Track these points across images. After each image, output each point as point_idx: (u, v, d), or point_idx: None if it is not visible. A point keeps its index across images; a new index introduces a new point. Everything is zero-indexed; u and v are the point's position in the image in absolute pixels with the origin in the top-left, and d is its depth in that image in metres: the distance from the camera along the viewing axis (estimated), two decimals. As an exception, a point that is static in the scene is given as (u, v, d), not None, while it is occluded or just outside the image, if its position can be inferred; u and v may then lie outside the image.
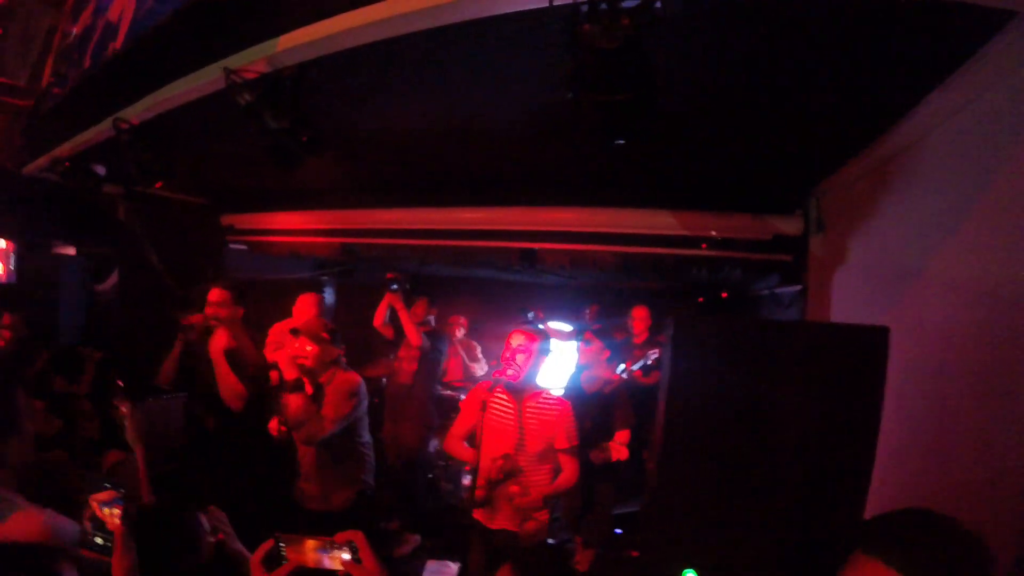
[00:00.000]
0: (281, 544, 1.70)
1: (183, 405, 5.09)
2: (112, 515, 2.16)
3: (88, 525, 2.16)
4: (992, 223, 2.36)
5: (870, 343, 1.88)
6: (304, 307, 5.03)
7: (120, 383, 3.63)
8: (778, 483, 1.83)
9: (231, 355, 4.09)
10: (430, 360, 5.82)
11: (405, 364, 5.76)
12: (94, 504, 2.18)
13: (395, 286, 5.43)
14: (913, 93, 2.68)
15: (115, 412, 3.43)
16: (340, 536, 1.68)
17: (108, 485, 2.22)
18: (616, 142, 2.11)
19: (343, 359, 3.98)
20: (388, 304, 5.58)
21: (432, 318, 6.04)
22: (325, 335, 3.80)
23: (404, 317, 5.48)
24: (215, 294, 4.30)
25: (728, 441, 1.93)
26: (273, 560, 1.69)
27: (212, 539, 2.38)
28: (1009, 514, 2.01)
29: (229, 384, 4.05)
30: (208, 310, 4.25)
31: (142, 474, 3.12)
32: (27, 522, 2.15)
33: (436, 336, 5.94)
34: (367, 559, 1.64)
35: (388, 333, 5.75)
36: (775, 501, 1.83)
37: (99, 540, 2.12)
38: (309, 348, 3.70)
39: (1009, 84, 2.22)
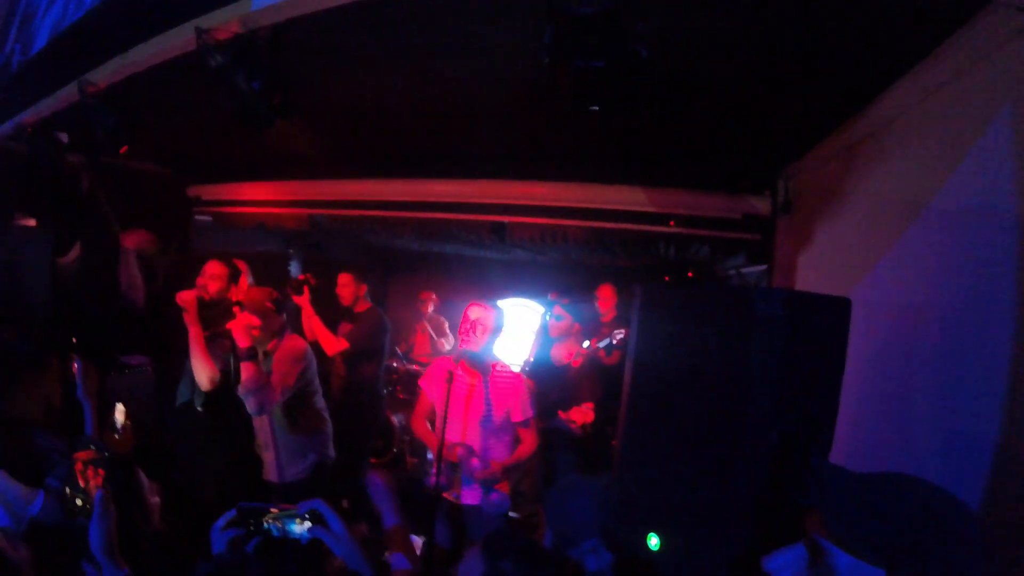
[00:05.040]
0: (244, 514, 1.69)
1: (152, 377, 5.02)
2: (94, 476, 2.11)
3: (67, 487, 2.11)
4: (949, 211, 2.41)
5: (835, 311, 1.92)
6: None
7: (73, 340, 3.56)
8: (743, 449, 1.86)
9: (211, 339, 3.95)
10: (366, 358, 5.60)
11: (334, 368, 5.64)
12: (77, 464, 2.14)
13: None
14: (884, 76, 2.71)
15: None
16: (303, 504, 1.67)
17: (92, 445, 2.18)
18: (590, 108, 2.11)
19: (287, 326, 3.96)
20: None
21: (365, 295, 5.75)
22: (269, 305, 3.77)
23: (315, 324, 5.29)
24: (212, 267, 4.19)
25: (693, 407, 1.96)
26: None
27: (156, 499, 2.35)
28: (964, 479, 2.07)
29: (205, 368, 3.85)
30: (199, 280, 4.14)
31: (94, 430, 3.07)
32: None
33: (369, 321, 5.64)
34: (335, 524, 1.64)
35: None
36: (740, 467, 1.87)
37: (79, 502, 2.07)
38: (253, 321, 3.65)
39: (975, 76, 2.25)
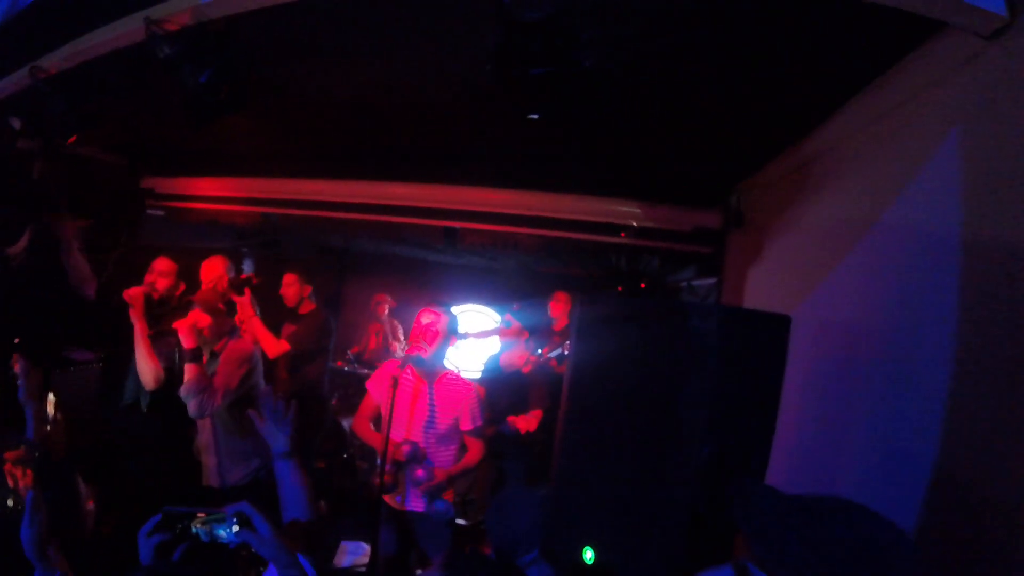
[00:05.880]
0: (170, 519, 1.65)
1: (98, 374, 4.89)
2: (22, 476, 2.05)
3: None
4: (895, 232, 2.45)
5: (774, 328, 1.93)
6: (207, 272, 4.68)
7: (16, 340, 3.46)
8: (678, 463, 1.86)
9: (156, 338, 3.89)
10: (308, 360, 5.58)
11: (276, 371, 5.56)
12: (6, 464, 2.07)
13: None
14: (837, 97, 2.75)
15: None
16: (229, 508, 1.64)
17: (23, 443, 2.11)
18: (529, 116, 2.10)
19: (238, 328, 3.89)
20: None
21: (310, 296, 5.72)
22: (221, 306, 3.72)
23: (256, 326, 5.06)
24: (161, 263, 4.13)
25: (629, 420, 1.96)
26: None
27: (91, 505, 2.29)
28: (904, 499, 2.09)
29: (150, 366, 3.81)
30: (148, 277, 4.08)
31: (35, 432, 2.99)
32: None
33: (312, 323, 5.60)
34: (262, 527, 1.61)
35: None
36: (674, 480, 1.87)
37: (9, 502, 2.00)
38: (203, 320, 3.60)
39: (926, 99, 2.29)
